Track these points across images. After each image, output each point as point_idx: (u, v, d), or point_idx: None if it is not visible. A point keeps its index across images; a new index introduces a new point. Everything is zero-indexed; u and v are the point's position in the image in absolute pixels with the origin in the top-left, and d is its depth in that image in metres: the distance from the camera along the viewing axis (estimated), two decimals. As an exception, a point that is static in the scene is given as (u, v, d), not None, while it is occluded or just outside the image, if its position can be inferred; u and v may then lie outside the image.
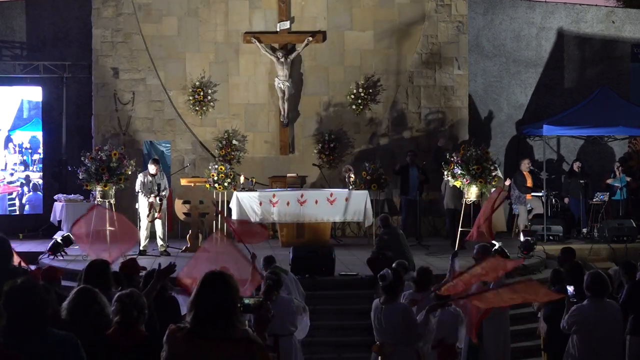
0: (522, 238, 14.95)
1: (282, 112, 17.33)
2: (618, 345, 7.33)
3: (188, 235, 15.13)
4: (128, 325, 5.02)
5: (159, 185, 14.47)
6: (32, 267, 9.30)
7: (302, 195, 15.13)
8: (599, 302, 7.17)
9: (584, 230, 17.17)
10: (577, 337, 7.23)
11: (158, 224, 14.53)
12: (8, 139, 17.50)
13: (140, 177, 14.49)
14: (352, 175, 15.91)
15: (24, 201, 17.57)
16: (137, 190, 14.52)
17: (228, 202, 15.41)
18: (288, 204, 15.03)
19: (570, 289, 7.48)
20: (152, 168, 14.50)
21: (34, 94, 17.59)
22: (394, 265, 8.40)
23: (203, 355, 3.97)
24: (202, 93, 17.25)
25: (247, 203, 15.14)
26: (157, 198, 14.38)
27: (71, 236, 14.45)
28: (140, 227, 14.47)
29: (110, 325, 5.06)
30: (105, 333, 4.99)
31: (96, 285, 5.76)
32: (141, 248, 14.42)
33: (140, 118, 17.38)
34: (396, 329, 7.07)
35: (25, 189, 17.55)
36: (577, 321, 7.17)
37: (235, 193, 15.25)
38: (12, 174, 17.53)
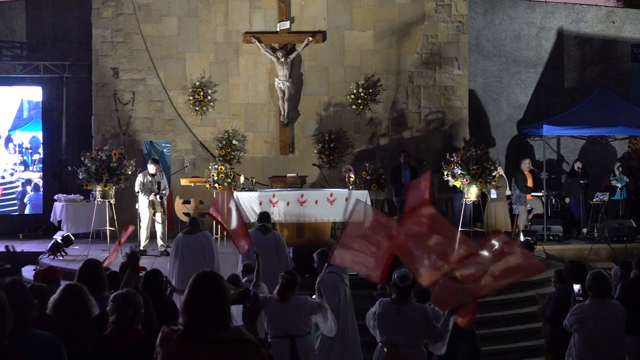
0: (522, 238, 14.95)
1: (282, 112, 17.33)
2: (619, 345, 7.32)
3: (188, 235, 15.11)
4: (124, 325, 5.02)
5: (159, 183, 14.47)
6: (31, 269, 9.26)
7: (302, 195, 15.10)
8: (600, 301, 7.19)
9: (584, 230, 17.17)
10: (578, 336, 7.25)
11: (158, 224, 14.52)
12: (8, 139, 17.50)
13: (139, 177, 14.49)
14: (352, 175, 15.92)
15: (25, 200, 17.57)
16: (136, 191, 14.51)
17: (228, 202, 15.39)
18: (288, 204, 15.00)
19: (576, 287, 7.49)
20: (151, 168, 14.50)
21: (34, 94, 17.60)
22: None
23: (198, 357, 3.96)
24: (202, 93, 17.26)
25: (247, 203, 15.12)
26: (157, 196, 14.36)
27: (71, 236, 14.49)
28: (140, 227, 14.47)
29: (95, 324, 5.06)
30: (90, 331, 4.99)
31: (90, 285, 5.76)
32: (141, 248, 14.42)
33: (140, 118, 17.38)
34: (415, 330, 6.92)
35: (28, 188, 17.55)
36: (578, 320, 7.19)
37: (235, 193, 15.24)
38: (12, 174, 17.53)
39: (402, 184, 16.36)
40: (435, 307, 7.23)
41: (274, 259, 11.17)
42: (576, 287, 7.50)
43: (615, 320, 7.22)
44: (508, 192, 16.97)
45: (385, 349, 6.96)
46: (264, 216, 11.69)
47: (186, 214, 15.55)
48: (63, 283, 8.06)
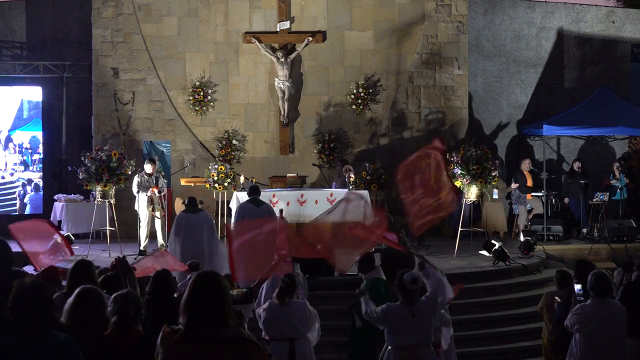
0: (522, 238, 14.95)
1: (282, 112, 17.33)
2: (620, 346, 7.32)
3: (188, 235, 15.11)
4: (126, 326, 5.02)
5: (157, 179, 14.47)
6: (31, 270, 9.27)
7: (302, 195, 15.11)
8: (602, 301, 7.19)
9: (584, 230, 17.17)
10: (579, 336, 7.26)
11: (158, 223, 14.52)
12: (8, 139, 17.50)
13: (136, 178, 14.48)
14: (352, 175, 15.91)
15: (25, 200, 17.56)
16: (136, 191, 14.48)
17: (228, 202, 15.41)
18: (288, 204, 15.00)
19: (577, 287, 7.49)
20: (148, 167, 14.51)
21: (34, 94, 17.59)
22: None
23: (199, 357, 3.96)
24: (202, 93, 17.26)
25: (247, 203, 15.12)
26: (156, 190, 14.34)
27: (71, 236, 14.49)
28: (140, 227, 14.47)
29: (108, 326, 5.05)
30: (103, 333, 4.99)
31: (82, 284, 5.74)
32: (141, 248, 14.43)
33: (140, 118, 17.38)
34: (431, 324, 6.97)
35: (28, 188, 17.54)
36: (580, 320, 7.20)
37: (235, 193, 15.24)
38: (12, 174, 17.53)
39: None
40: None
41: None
42: (577, 287, 7.51)
43: (616, 321, 7.22)
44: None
45: (401, 353, 6.90)
46: (255, 190, 12.47)
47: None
48: (64, 283, 8.08)
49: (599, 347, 7.16)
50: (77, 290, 5.18)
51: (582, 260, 9.15)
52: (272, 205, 12.52)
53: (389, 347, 7.06)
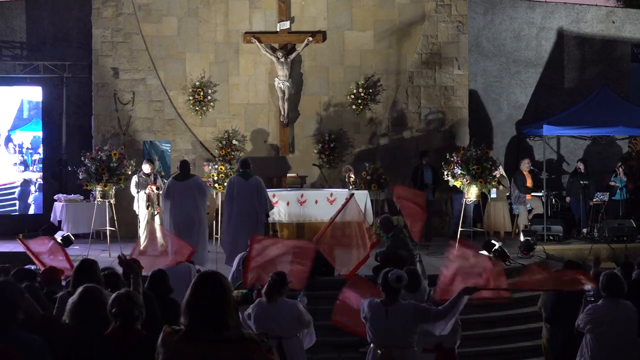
0: (522, 238, 14.96)
1: (282, 112, 17.33)
2: (632, 346, 7.32)
3: (188, 235, 15.10)
4: (129, 325, 5.02)
5: (155, 178, 14.47)
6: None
7: (302, 195, 15.11)
8: (614, 302, 7.19)
9: (584, 230, 17.16)
10: (591, 337, 7.26)
11: (157, 219, 14.50)
12: (8, 139, 17.50)
13: (134, 179, 14.47)
14: (352, 175, 15.92)
15: (29, 201, 17.55)
16: (136, 191, 14.46)
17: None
18: (288, 204, 15.01)
19: (587, 287, 7.49)
20: (146, 167, 14.51)
21: (34, 94, 17.59)
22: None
23: (199, 357, 3.96)
24: (202, 93, 17.26)
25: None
26: (155, 187, 14.33)
27: (71, 236, 14.49)
28: (139, 227, 14.47)
29: (109, 325, 5.05)
30: (104, 332, 4.99)
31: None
32: (141, 248, 14.41)
33: (140, 118, 17.38)
34: (404, 328, 6.78)
35: (32, 188, 17.53)
36: (591, 320, 7.19)
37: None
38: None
39: (425, 184, 16.20)
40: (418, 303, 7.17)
41: (255, 202, 12.42)
42: (587, 287, 7.50)
43: (628, 321, 7.22)
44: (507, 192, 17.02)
45: (378, 351, 6.87)
46: (244, 163, 12.74)
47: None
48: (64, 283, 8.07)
49: (610, 347, 7.15)
50: (80, 289, 5.18)
51: (571, 260, 9.17)
52: (260, 179, 12.72)
53: (371, 345, 6.99)
